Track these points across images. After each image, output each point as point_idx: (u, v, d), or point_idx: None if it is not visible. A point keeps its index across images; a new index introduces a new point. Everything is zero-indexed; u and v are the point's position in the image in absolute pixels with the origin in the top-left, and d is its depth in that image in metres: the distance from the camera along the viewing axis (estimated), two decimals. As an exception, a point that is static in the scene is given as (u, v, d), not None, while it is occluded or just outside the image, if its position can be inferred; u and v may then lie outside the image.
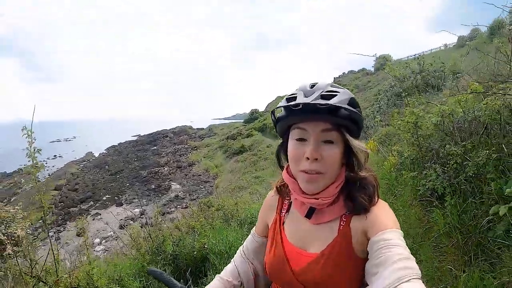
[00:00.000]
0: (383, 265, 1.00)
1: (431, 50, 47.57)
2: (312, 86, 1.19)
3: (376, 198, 1.22)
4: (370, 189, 1.21)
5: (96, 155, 61.69)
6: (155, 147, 63.43)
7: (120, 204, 29.79)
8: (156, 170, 42.06)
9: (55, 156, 62.60)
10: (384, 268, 0.99)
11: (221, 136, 54.93)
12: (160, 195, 31.94)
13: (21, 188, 38.54)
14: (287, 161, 1.28)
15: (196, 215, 7.45)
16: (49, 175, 46.60)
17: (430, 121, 4.84)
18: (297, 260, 1.28)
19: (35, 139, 3.60)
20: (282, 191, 1.44)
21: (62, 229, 23.59)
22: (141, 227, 10.04)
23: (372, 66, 54.66)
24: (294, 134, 1.22)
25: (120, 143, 74.68)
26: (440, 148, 4.45)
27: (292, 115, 1.20)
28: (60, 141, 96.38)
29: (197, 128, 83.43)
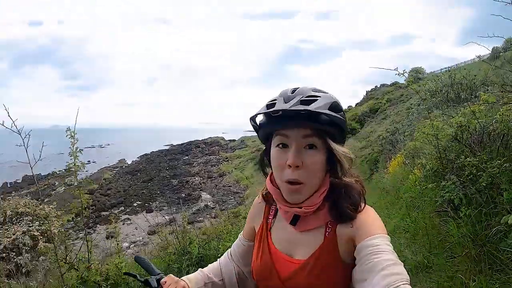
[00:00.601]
0: (371, 272, 1.00)
1: (464, 62, 46.56)
2: (294, 91, 1.18)
3: (363, 205, 1.20)
4: (355, 197, 1.20)
5: (129, 162, 62.82)
6: (187, 157, 64.16)
7: (151, 211, 30.18)
8: (187, 180, 42.54)
9: (89, 161, 64.01)
10: (373, 275, 0.99)
11: (252, 148, 54.88)
12: (190, 204, 32.19)
13: (54, 190, 39.67)
14: (271, 168, 1.27)
15: (224, 223, 7.65)
16: (82, 179, 47.58)
17: (447, 133, 4.91)
18: (284, 266, 1.27)
19: (77, 140, 3.96)
20: (268, 198, 1.42)
21: (92, 231, 23.87)
22: (170, 234, 10.31)
23: (405, 80, 53.67)
24: (276, 141, 1.20)
25: (153, 151, 75.90)
26: (456, 159, 4.52)
27: (273, 122, 1.19)
28: (94, 147, 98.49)
29: (229, 140, 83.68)
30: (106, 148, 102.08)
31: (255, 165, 41.64)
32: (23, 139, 3.98)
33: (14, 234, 8.56)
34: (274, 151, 1.20)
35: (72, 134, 4.13)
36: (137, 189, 39.85)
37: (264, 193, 1.45)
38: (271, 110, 1.14)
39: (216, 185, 39.42)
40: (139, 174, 50.07)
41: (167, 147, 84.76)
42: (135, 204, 33.39)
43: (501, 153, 3.83)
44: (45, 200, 27.11)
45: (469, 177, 3.94)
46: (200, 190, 37.93)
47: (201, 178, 43.26)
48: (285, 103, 1.13)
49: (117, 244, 5.17)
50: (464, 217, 3.77)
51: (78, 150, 4.06)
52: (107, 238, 21.19)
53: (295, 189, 1.16)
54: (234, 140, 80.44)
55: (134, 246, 19.81)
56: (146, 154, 72.36)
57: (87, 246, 4.25)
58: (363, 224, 1.14)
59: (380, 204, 9.93)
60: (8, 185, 47.86)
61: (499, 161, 3.48)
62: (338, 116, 1.14)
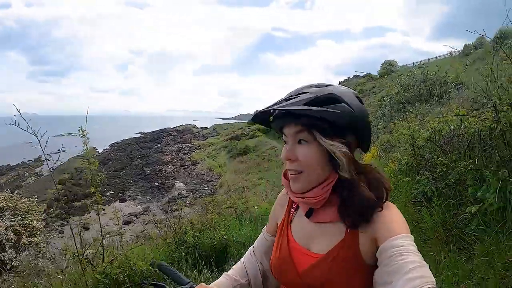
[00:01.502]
0: (396, 274, 0.98)
1: (436, 57, 47.53)
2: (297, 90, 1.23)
3: (381, 205, 1.15)
4: (362, 201, 1.14)
5: (100, 150, 61.64)
6: (159, 145, 63.54)
7: (124, 200, 30.30)
8: (160, 168, 42.55)
9: (58, 150, 62.20)
10: (397, 277, 0.97)
11: (225, 136, 54.81)
12: (163, 192, 32.22)
13: (24, 181, 38.93)
14: None
15: (210, 211, 7.97)
16: (52, 169, 46.79)
17: (422, 136, 5.59)
18: (301, 259, 1.26)
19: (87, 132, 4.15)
20: None
21: (65, 222, 24.04)
22: (146, 224, 10.47)
23: (377, 72, 54.30)
24: (283, 137, 1.25)
25: (124, 139, 75.19)
26: (430, 158, 5.20)
27: (273, 120, 1.25)
28: (63, 135, 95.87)
29: (201, 127, 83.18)
30: (76, 136, 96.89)
31: (228, 153, 41.79)
32: None
33: (-4, 230, 8.51)
34: (282, 146, 1.26)
35: (84, 134, 4.19)
36: (109, 178, 39.14)
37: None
38: (263, 110, 1.23)
39: (189, 174, 39.58)
40: (110, 163, 49.35)
41: (138, 135, 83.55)
42: (108, 194, 33.02)
43: (468, 155, 4.47)
44: (15, 192, 26.67)
45: (440, 173, 4.64)
46: (173, 178, 38.04)
47: (174, 167, 43.32)
48: (277, 103, 1.20)
49: (121, 235, 5.37)
50: (436, 206, 4.42)
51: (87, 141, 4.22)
52: (83, 228, 21.14)
53: (293, 177, 1.20)
54: (206, 128, 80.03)
55: (109, 236, 19.80)
56: (117, 142, 71.46)
57: (102, 239, 4.40)
58: (386, 222, 1.11)
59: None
60: None
61: (465, 162, 4.12)
62: (319, 109, 1.11)
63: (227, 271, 1.52)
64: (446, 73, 16.80)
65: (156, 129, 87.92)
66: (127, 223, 21.93)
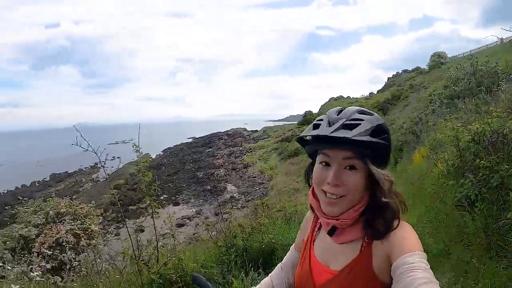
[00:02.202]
0: None
1: (487, 45, 45.21)
2: (340, 112, 1.25)
3: (396, 223, 1.20)
4: (389, 215, 1.21)
5: (153, 156, 63.22)
6: (210, 149, 64.31)
7: (177, 204, 30.86)
8: (212, 172, 42.95)
9: (113, 157, 64.41)
10: None
11: (275, 138, 54.64)
12: (216, 196, 32.53)
13: (82, 187, 40.52)
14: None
15: (260, 214, 8.06)
16: (108, 175, 48.50)
17: (465, 138, 5.41)
18: (320, 275, 1.32)
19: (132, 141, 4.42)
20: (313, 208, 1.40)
21: (121, 225, 24.71)
22: (197, 226, 10.66)
23: (427, 65, 52.23)
24: (319, 158, 1.25)
25: (176, 145, 76.97)
26: (473, 160, 5.02)
27: (317, 142, 1.26)
28: (118, 143, 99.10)
29: (251, 130, 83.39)
30: (130, 143, 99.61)
31: (279, 155, 41.65)
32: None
33: (58, 233, 9.02)
34: (317, 167, 1.26)
35: (138, 148, 4.71)
36: (162, 183, 40.06)
37: (310, 205, 1.42)
38: (314, 134, 1.22)
39: (241, 177, 39.82)
40: (164, 168, 50.64)
41: (190, 140, 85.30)
42: (161, 198, 33.51)
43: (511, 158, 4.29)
44: (74, 197, 27.86)
45: (483, 177, 4.46)
46: (225, 182, 38.41)
47: (226, 170, 43.61)
48: (329, 126, 1.20)
49: (173, 236, 5.63)
50: (479, 211, 4.28)
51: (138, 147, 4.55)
52: (136, 231, 21.63)
53: (332, 202, 1.20)
54: (256, 131, 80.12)
55: (163, 238, 20.26)
56: (169, 148, 73.21)
57: (157, 243, 4.78)
58: (399, 241, 1.15)
59: (405, 195, 10.32)
60: (37, 184, 48.90)
61: (507, 166, 3.96)
62: (380, 141, 1.18)
63: None
64: (497, 63, 15.95)
65: (207, 134, 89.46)
66: (180, 226, 22.36)
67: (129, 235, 4.64)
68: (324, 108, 73.56)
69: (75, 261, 8.48)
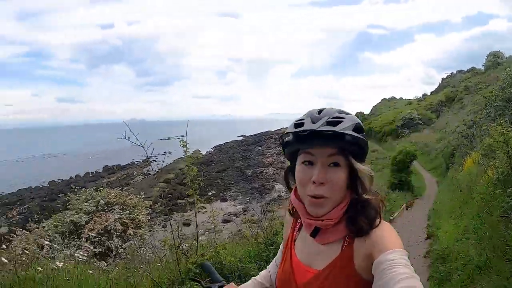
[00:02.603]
0: (386, 286, 1.02)
1: None
2: (320, 111, 1.25)
3: (378, 221, 1.22)
4: (372, 212, 1.23)
5: (203, 153, 64.18)
6: (260, 148, 65.08)
7: (225, 200, 31.23)
8: (261, 170, 43.37)
9: (165, 152, 66.31)
10: None
11: (325, 139, 54.33)
12: (263, 194, 32.64)
13: (133, 179, 41.71)
14: (295, 184, 1.33)
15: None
16: (158, 169, 50.26)
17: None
18: (301, 275, 1.33)
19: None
20: (294, 212, 1.43)
21: (168, 218, 24.86)
22: (244, 223, 10.78)
23: (483, 65, 49.89)
24: (301, 158, 1.25)
25: (226, 142, 77.77)
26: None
27: (300, 141, 1.23)
28: (169, 139, 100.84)
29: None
30: (181, 139, 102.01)
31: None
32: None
33: (106, 221, 9.39)
34: (300, 167, 1.26)
35: (185, 144, 4.92)
36: (211, 178, 40.81)
37: (290, 208, 1.45)
38: (299, 129, 1.21)
39: (290, 176, 39.44)
40: (213, 164, 51.60)
41: (240, 138, 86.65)
42: (209, 193, 34.35)
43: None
44: (124, 189, 28.77)
45: None
46: (274, 180, 38.50)
47: (275, 169, 43.69)
48: (313, 123, 1.20)
49: (215, 229, 5.71)
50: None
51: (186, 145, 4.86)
52: (184, 225, 22.20)
53: (318, 202, 1.21)
54: (307, 131, 79.98)
55: (208, 233, 20.45)
56: (220, 145, 74.37)
57: (197, 234, 4.84)
58: (379, 239, 1.17)
59: (454, 202, 9.92)
60: (90, 174, 51.68)
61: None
62: (361, 137, 1.21)
63: None
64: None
65: (257, 132, 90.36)
66: (226, 221, 22.56)
67: (171, 226, 4.74)
68: (375, 109, 72.17)
69: (121, 248, 8.82)
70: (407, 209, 13.44)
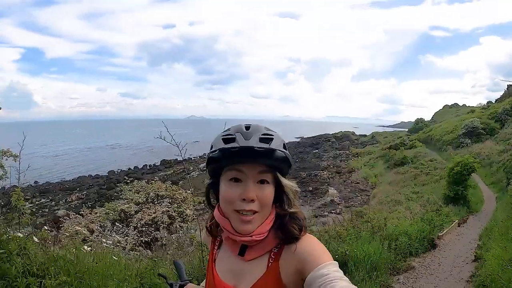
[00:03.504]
0: None
1: None
2: (248, 127, 1.22)
3: (304, 232, 1.22)
4: (300, 220, 1.24)
5: (260, 153, 65.28)
6: (317, 150, 64.59)
7: (276, 202, 30.95)
8: (316, 173, 42.75)
9: (223, 149, 67.56)
10: None
11: (384, 145, 53.13)
12: (316, 197, 32.35)
13: (189, 174, 42.82)
14: (217, 201, 1.31)
15: (346, 223, 7.75)
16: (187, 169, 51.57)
17: None
18: None
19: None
20: (212, 230, 1.42)
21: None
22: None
23: None
24: (229, 175, 1.22)
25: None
26: None
27: (229, 157, 1.19)
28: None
29: (359, 135, 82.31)
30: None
31: (385, 163, 40.32)
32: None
33: (154, 213, 9.62)
34: (226, 185, 1.22)
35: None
36: None
37: (208, 226, 1.44)
38: (231, 145, 1.18)
39: (344, 181, 39.25)
40: (269, 164, 51.58)
41: (297, 140, 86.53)
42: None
43: None
44: (180, 183, 29.58)
45: None
46: (328, 184, 37.90)
47: (329, 173, 43.25)
48: (246, 139, 1.17)
49: None
50: None
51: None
52: None
53: (248, 219, 1.19)
54: (365, 135, 78.86)
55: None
56: (276, 146, 74.25)
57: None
58: (308, 254, 1.16)
59: (509, 222, 9.29)
60: (148, 167, 53.98)
61: None
62: (288, 153, 1.22)
63: None
64: None
65: (315, 135, 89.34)
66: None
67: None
68: (437, 116, 69.92)
69: (166, 239, 9.03)
70: (459, 226, 12.71)
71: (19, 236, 3.38)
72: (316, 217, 25.01)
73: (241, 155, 1.17)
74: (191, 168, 47.58)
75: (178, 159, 44.49)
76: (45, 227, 4.84)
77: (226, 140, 1.20)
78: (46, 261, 3.38)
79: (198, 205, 9.77)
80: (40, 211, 28.90)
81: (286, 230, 1.22)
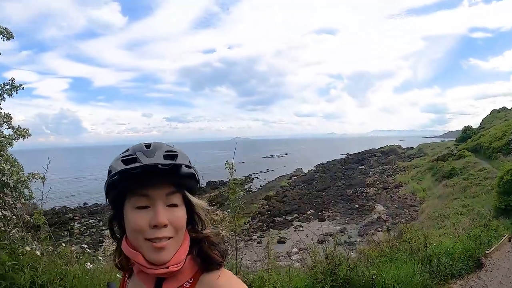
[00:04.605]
0: None
1: None
2: (148, 146, 1.13)
3: (223, 262, 1.16)
4: (220, 246, 1.17)
5: (305, 171, 65.16)
6: (363, 166, 64.21)
7: (323, 220, 30.69)
8: (362, 190, 42.50)
9: (267, 170, 68.19)
10: None
11: (431, 157, 51.61)
12: (362, 215, 31.86)
13: (234, 195, 43.58)
14: (123, 233, 1.18)
15: (382, 243, 7.42)
16: (260, 186, 51.33)
17: None
18: None
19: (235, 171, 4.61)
20: (123, 265, 1.24)
21: (265, 234, 25.91)
22: (336, 245, 10.51)
23: None
24: (133, 202, 1.09)
25: (329, 161, 78.10)
26: None
27: (131, 180, 1.07)
28: (272, 156, 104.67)
29: (406, 148, 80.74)
30: (284, 157, 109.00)
31: (433, 175, 39.14)
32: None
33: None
34: (131, 213, 1.09)
35: (231, 166, 4.97)
36: (311, 197, 41.17)
37: (118, 262, 1.25)
38: (134, 166, 1.06)
39: (391, 197, 38.35)
40: (314, 183, 51.64)
41: (343, 156, 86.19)
42: (308, 212, 34.36)
43: None
44: (225, 203, 29.85)
45: None
46: (374, 201, 37.33)
47: (376, 189, 42.70)
48: (148, 158, 1.07)
49: (268, 257, 5.45)
50: None
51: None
52: (278, 242, 22.54)
53: (162, 246, 1.07)
54: (411, 148, 77.15)
55: (302, 252, 20.43)
56: (322, 163, 74.59)
57: (236, 259, 5.06)
58: None
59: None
60: None
61: None
62: (195, 169, 1.16)
63: None
64: None
65: (361, 151, 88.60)
66: (320, 242, 22.16)
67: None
68: (485, 122, 67.42)
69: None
70: (509, 241, 11.82)
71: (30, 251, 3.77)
72: (362, 235, 24.48)
73: (145, 176, 1.06)
74: (237, 189, 47.88)
75: (224, 180, 45.42)
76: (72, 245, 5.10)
77: (126, 161, 1.08)
78: (55, 275, 3.62)
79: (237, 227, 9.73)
80: (88, 231, 31.17)
81: (206, 257, 1.14)
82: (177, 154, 1.12)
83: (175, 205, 1.10)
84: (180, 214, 1.11)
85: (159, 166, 1.05)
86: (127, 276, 1.29)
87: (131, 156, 1.09)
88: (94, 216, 36.82)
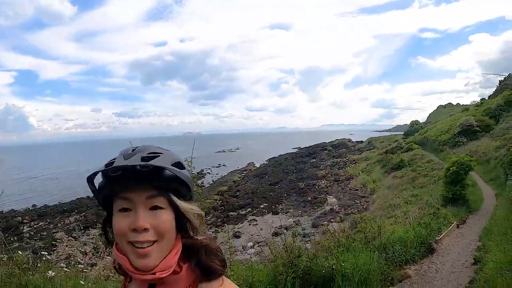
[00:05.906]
0: None
1: None
2: (134, 149, 1.12)
3: (224, 270, 1.15)
4: (220, 254, 1.15)
5: (257, 165, 65.35)
6: (314, 160, 64.99)
7: (276, 213, 30.93)
8: (314, 183, 43.00)
9: (219, 165, 68.08)
10: None
11: (380, 150, 53.13)
12: (315, 207, 32.27)
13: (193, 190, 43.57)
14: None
15: (338, 234, 7.53)
16: (213, 181, 51.19)
17: None
18: None
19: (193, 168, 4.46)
20: (121, 269, 1.19)
21: (219, 230, 26.31)
22: (294, 237, 10.58)
23: None
24: (117, 205, 1.08)
25: (281, 155, 78.40)
26: None
27: (113, 183, 1.07)
28: (224, 151, 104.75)
29: (356, 141, 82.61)
30: (236, 152, 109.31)
31: (382, 167, 40.30)
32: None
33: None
34: (116, 216, 1.08)
35: (189, 163, 4.59)
36: (264, 191, 41.43)
37: (115, 265, 1.23)
38: (109, 168, 1.06)
39: (343, 189, 39.13)
40: (267, 176, 51.83)
41: (294, 150, 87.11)
42: (261, 206, 34.48)
43: None
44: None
45: None
46: (326, 193, 37.87)
47: (328, 181, 43.27)
48: (125, 160, 1.07)
49: (230, 254, 5.40)
50: None
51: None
52: (234, 236, 22.59)
53: (144, 252, 1.05)
54: (361, 142, 79.07)
55: (258, 246, 20.50)
56: (274, 157, 74.85)
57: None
58: None
59: (509, 221, 9.04)
60: None
61: None
62: (183, 172, 1.11)
63: None
64: None
65: (312, 144, 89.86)
66: (276, 234, 22.39)
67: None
68: (432, 117, 70.22)
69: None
70: (458, 227, 12.38)
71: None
72: (316, 227, 24.86)
73: (124, 179, 1.04)
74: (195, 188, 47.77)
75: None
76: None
77: (107, 164, 1.08)
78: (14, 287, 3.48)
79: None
80: (39, 235, 29.21)
81: (205, 266, 1.11)
82: (158, 156, 1.09)
83: (160, 208, 1.08)
84: (164, 217, 1.08)
85: (137, 167, 1.03)
86: (128, 280, 1.23)
87: (112, 160, 1.09)
88: (43, 219, 35.18)
